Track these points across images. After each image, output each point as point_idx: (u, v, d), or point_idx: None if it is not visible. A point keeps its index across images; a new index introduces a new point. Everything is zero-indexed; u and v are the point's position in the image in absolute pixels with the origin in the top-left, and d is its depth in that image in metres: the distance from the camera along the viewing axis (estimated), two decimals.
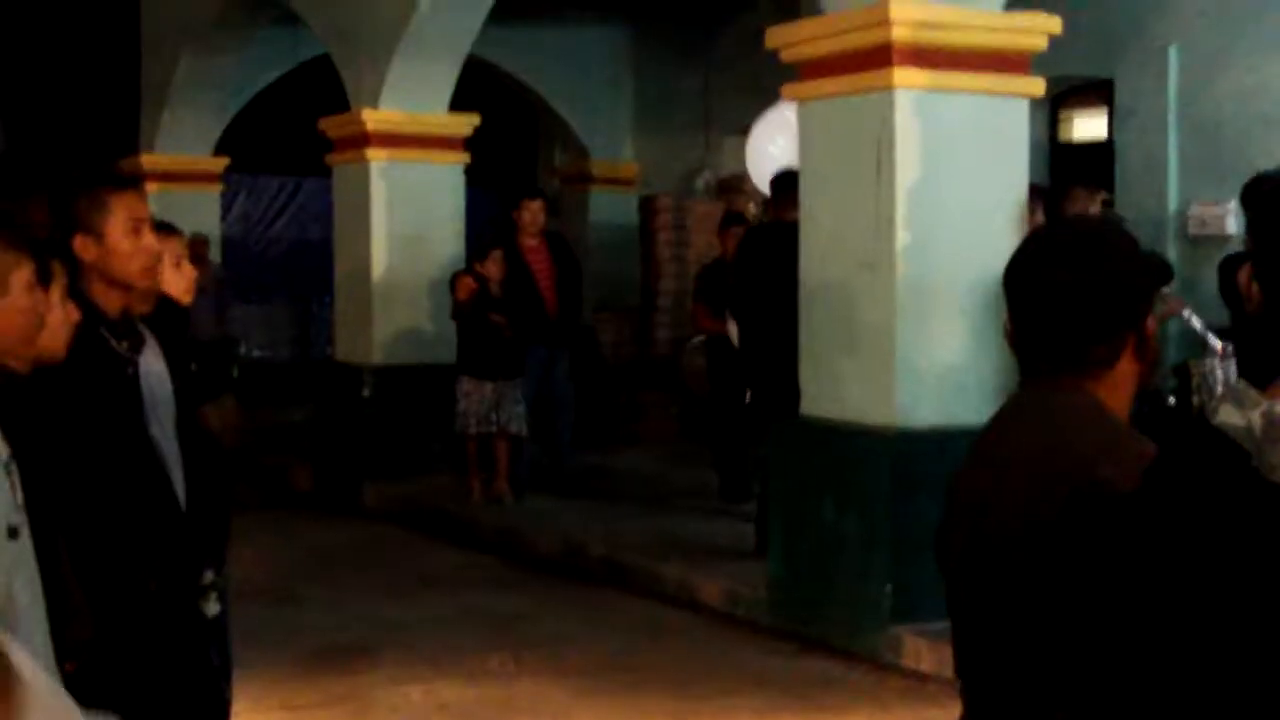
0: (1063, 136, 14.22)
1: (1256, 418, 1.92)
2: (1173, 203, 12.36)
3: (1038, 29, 8.71)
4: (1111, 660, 2.07)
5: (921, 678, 8.01)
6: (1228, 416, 1.95)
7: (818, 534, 8.72)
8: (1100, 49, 12.64)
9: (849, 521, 8.51)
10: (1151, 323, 2.73)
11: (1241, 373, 8.26)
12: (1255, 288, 2.06)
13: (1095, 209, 10.24)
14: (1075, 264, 2.68)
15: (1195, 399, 9.33)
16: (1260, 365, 2.04)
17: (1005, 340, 2.82)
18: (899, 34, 8.31)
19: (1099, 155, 13.14)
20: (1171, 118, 12.43)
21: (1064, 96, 13.83)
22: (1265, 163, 8.94)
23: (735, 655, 8.66)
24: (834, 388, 8.73)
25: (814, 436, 8.85)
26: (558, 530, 11.44)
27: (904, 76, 8.35)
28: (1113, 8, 12.71)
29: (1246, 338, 7.86)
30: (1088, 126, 14.05)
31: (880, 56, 8.39)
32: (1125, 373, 2.72)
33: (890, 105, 8.36)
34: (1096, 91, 13.62)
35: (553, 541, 11.26)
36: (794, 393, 8.97)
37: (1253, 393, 1.95)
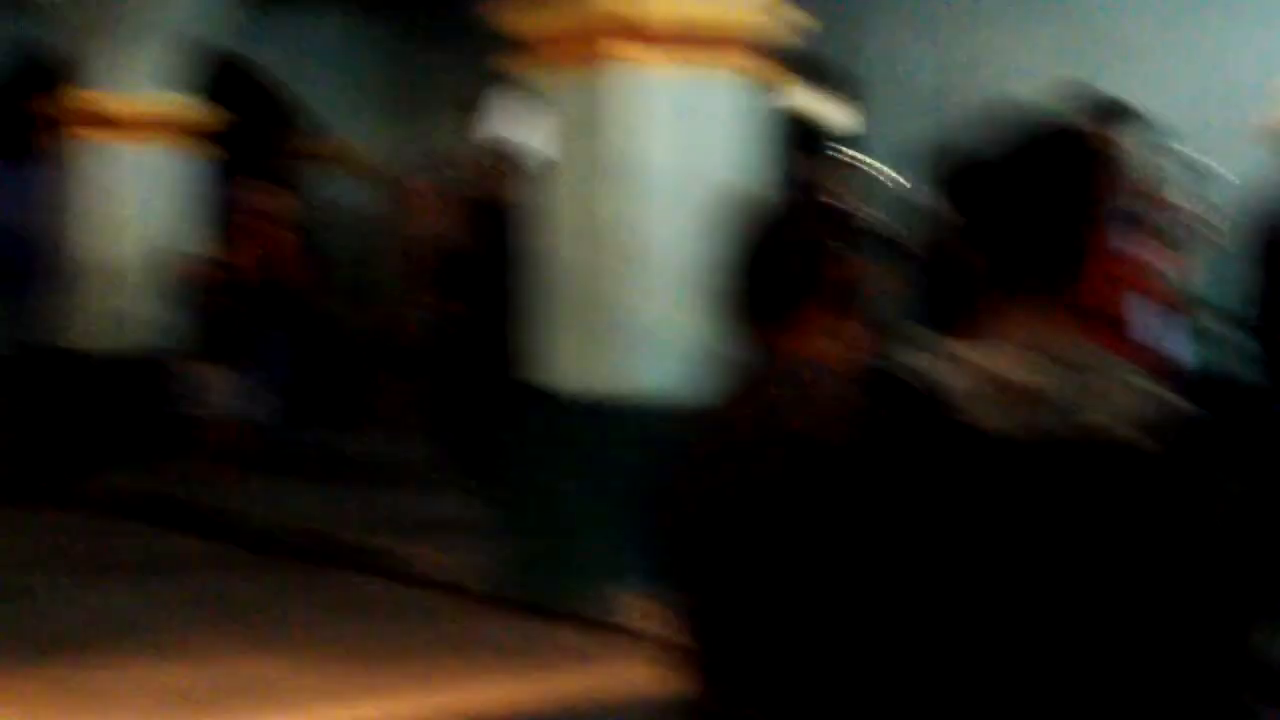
0: (786, 111, 14.39)
1: (940, 361, 1.98)
2: (895, 174, 12.59)
3: (756, 5, 8.81)
4: (833, 615, 2.10)
5: (643, 637, 8.09)
6: (910, 359, 2.01)
7: (547, 505, 8.79)
8: (828, 25, 12.81)
9: (580, 492, 8.58)
10: (847, 273, 2.83)
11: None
12: (972, 255, 2.12)
13: (836, 182, 10.44)
14: (776, 232, 2.85)
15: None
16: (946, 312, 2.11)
17: (719, 308, 2.90)
18: (612, 10, 8.36)
19: (826, 131, 13.33)
20: (892, 91, 12.68)
21: (790, 72, 13.99)
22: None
23: (472, 627, 8.69)
24: (558, 360, 8.79)
25: (540, 409, 8.90)
26: (290, 512, 11.34)
27: (618, 52, 8.41)
28: None
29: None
30: (811, 102, 14.22)
31: (595, 34, 8.43)
32: (828, 327, 2.81)
33: (604, 82, 8.42)
34: (823, 67, 13.79)
35: (285, 524, 11.14)
36: (520, 367, 9.02)
37: (933, 335, 2.02)
